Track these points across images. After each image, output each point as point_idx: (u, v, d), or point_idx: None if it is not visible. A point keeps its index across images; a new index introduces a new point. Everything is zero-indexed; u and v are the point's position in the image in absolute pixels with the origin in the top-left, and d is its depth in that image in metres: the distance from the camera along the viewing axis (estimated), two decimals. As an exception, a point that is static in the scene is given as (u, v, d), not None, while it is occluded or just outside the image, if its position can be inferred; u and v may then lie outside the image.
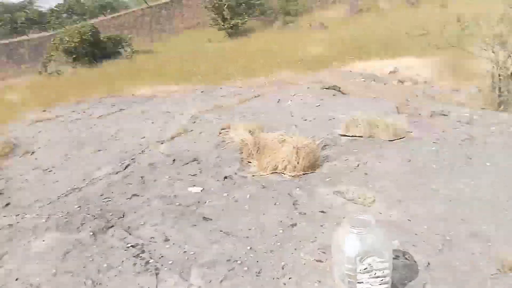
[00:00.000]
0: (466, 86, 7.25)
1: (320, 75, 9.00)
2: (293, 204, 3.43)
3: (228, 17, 19.38)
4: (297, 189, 3.71)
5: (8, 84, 17.85)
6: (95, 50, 18.94)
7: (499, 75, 6.15)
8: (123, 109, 7.76)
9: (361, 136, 4.75)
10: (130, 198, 3.88)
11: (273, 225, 3.14)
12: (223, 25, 19.32)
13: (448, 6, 14.40)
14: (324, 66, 10.46)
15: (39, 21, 28.25)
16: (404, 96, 6.43)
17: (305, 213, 3.27)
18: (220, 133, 5.33)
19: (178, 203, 3.66)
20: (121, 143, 5.52)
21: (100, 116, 7.46)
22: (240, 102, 6.98)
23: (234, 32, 19.25)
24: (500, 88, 6.15)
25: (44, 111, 8.71)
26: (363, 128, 4.79)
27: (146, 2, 25.55)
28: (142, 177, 4.30)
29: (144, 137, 5.59)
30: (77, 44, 17.95)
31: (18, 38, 24.40)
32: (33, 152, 5.74)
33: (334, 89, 7.06)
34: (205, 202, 3.63)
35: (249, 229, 3.12)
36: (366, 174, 3.84)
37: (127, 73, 14.93)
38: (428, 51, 8.66)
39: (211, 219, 3.33)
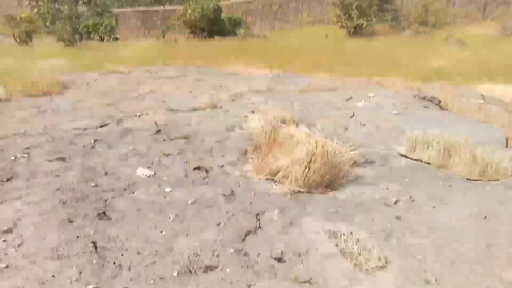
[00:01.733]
0: None
1: (427, 86, 7.13)
2: (247, 235, 2.09)
3: (355, 17, 17.74)
4: (277, 211, 2.34)
5: (129, 44, 18.97)
6: (213, 27, 19.06)
7: None
8: (185, 76, 7.06)
9: (429, 163, 3.10)
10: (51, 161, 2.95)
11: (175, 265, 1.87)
12: (345, 23, 17.74)
13: None
14: (437, 80, 8.49)
15: (181, -4, 29.93)
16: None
17: (247, 254, 1.92)
18: (246, 116, 4.13)
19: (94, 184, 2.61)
20: (136, 102, 4.68)
21: (158, 78, 6.89)
22: (305, 92, 5.65)
23: (356, 32, 17.54)
24: None
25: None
26: (436, 153, 3.13)
27: (278, -8, 25.13)
28: (95, 140, 3.34)
29: (164, 101, 4.66)
30: (197, 18, 18.20)
31: (155, 8, 26.08)
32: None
33: (431, 100, 5.27)
34: (134, 193, 2.50)
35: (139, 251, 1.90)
36: (398, 219, 2.29)
37: (231, 51, 14.53)
38: None
39: (110, 219, 2.20)
